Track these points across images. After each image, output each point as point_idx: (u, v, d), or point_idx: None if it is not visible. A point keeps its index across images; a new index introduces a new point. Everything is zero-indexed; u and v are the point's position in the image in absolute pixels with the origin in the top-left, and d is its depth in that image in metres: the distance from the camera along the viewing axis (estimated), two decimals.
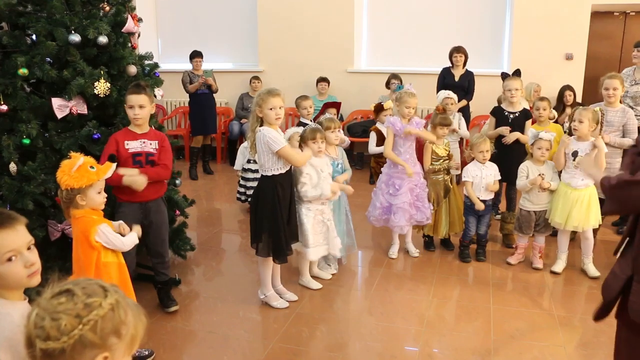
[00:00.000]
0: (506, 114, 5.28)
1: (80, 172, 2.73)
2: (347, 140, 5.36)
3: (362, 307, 4.14)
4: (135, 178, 3.44)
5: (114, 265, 2.87)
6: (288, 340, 3.60)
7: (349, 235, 4.73)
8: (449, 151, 5.05)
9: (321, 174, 4.14)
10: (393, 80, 7.68)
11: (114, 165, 2.98)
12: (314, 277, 4.46)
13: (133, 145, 3.56)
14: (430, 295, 4.25)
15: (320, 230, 4.20)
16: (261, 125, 3.74)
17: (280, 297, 4.11)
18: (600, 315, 2.27)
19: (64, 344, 1.08)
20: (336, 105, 6.72)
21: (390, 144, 4.80)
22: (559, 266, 4.65)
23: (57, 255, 3.57)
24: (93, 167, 2.78)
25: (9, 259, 1.62)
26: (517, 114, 5.26)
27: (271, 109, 3.66)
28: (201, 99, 7.66)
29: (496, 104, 5.78)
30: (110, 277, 2.81)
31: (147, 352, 3.31)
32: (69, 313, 1.10)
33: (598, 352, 3.42)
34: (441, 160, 4.96)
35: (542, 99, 5.46)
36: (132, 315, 1.18)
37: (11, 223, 1.64)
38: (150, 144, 3.64)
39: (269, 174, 3.76)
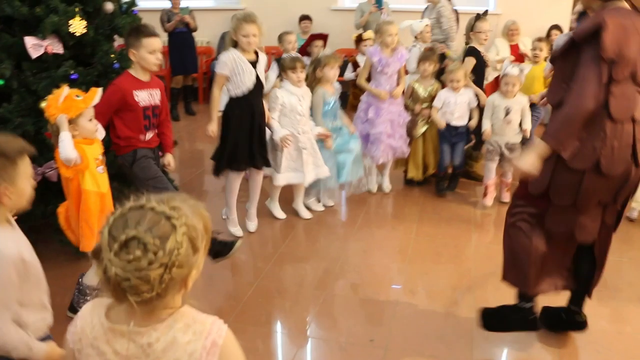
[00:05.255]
0: (482, 54, 5.18)
1: (67, 102, 2.66)
2: (339, 87, 5.29)
3: (346, 245, 4.19)
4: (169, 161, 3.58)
5: (93, 195, 2.78)
6: (272, 279, 3.64)
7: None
8: (434, 96, 4.92)
9: (297, 107, 4.15)
10: None
11: (100, 89, 2.89)
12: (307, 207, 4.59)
13: (142, 97, 3.30)
14: (413, 233, 4.31)
15: (296, 156, 4.24)
16: (235, 46, 3.82)
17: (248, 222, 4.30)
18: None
19: (158, 290, 1.11)
20: (323, 37, 6.54)
21: (364, 74, 4.82)
22: None
23: (37, 198, 3.53)
24: (79, 96, 2.71)
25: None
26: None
27: (244, 36, 3.72)
28: (179, 38, 7.48)
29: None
30: (89, 208, 2.76)
31: None
32: (153, 267, 1.08)
33: None
34: (421, 102, 4.95)
35: (540, 39, 5.46)
36: (200, 222, 1.18)
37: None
38: (156, 94, 3.39)
39: (231, 94, 3.90)
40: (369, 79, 4.87)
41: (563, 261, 2.81)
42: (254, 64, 3.85)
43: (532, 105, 4.82)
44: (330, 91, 4.53)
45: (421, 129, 4.97)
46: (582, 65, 2.40)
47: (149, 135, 3.41)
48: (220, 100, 3.92)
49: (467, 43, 5.34)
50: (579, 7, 4.26)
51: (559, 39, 5.17)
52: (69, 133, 2.66)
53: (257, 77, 3.87)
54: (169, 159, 3.60)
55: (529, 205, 2.71)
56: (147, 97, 3.33)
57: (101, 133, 3.00)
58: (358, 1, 7.41)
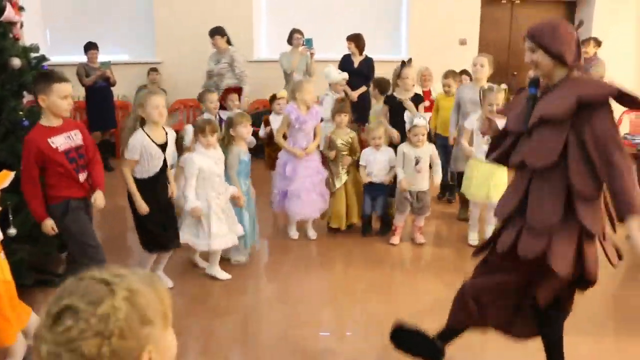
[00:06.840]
0: (398, 100, 5.30)
1: None
2: (253, 141, 5.27)
3: (271, 295, 4.14)
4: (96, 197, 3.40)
5: (1, 284, 2.58)
6: (196, 335, 3.54)
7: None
8: (351, 144, 5.07)
9: (215, 169, 4.11)
10: (296, 35, 7.26)
11: (12, 174, 2.77)
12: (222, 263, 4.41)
13: (60, 142, 3.23)
14: (339, 277, 4.34)
15: (224, 219, 4.17)
16: (142, 124, 3.71)
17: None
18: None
19: None
20: (237, 90, 6.56)
21: (281, 131, 4.89)
22: (474, 237, 4.89)
23: None
24: None
25: None
26: (409, 100, 5.30)
27: (155, 107, 3.65)
28: (99, 93, 7.34)
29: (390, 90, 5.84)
30: (0, 297, 2.56)
31: None
32: (86, 336, 0.92)
33: None
34: (339, 150, 5.03)
35: (446, 75, 5.89)
36: (151, 292, 1.03)
37: None
38: (75, 135, 3.35)
39: (135, 175, 3.79)
40: (285, 136, 4.95)
41: None
42: (164, 146, 3.79)
43: None
44: (245, 149, 4.52)
45: (342, 178, 5.05)
46: (608, 128, 2.39)
47: (83, 176, 3.36)
48: (132, 179, 3.82)
49: (393, 90, 5.50)
50: (531, 72, 4.46)
51: (466, 91, 5.34)
52: None
53: (164, 161, 3.83)
54: (96, 196, 3.45)
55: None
56: (65, 140, 3.26)
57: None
58: (278, 52, 7.51)
